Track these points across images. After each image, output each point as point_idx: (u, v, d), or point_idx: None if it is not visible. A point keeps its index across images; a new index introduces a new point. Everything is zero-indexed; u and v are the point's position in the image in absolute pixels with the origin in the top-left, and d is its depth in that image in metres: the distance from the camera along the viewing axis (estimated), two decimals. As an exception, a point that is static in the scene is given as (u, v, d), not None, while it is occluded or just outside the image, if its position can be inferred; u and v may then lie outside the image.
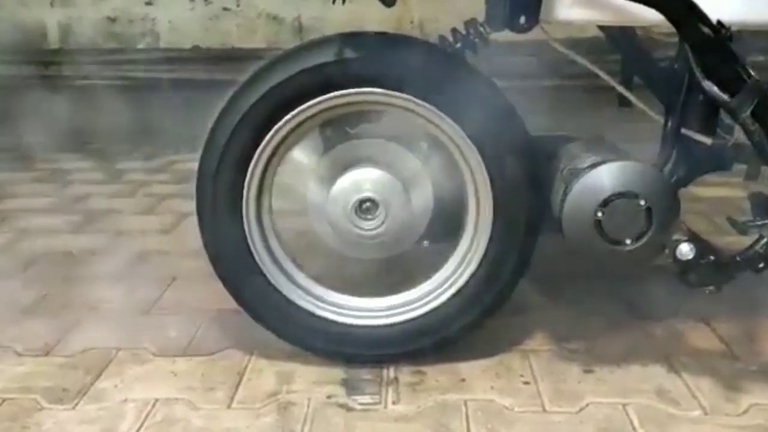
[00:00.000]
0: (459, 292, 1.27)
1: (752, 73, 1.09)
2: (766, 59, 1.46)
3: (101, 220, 2.14)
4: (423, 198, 1.27)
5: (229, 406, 1.19)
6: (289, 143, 1.24)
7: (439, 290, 1.28)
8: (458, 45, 1.24)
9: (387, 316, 1.29)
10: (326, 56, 1.17)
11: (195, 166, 1.25)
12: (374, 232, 1.24)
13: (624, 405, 1.18)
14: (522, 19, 1.13)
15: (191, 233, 1.30)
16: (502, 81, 1.24)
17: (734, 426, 1.13)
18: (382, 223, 1.24)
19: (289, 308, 1.28)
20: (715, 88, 1.09)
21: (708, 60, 1.09)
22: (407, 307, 1.29)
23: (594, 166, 1.17)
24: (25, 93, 2.81)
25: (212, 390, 1.24)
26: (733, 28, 1.08)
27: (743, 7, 1.13)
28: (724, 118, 1.19)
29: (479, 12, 1.27)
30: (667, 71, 1.28)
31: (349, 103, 1.20)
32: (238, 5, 3.27)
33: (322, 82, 1.17)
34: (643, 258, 1.17)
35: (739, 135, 1.17)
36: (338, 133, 1.29)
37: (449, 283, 1.28)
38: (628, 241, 1.16)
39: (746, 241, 1.18)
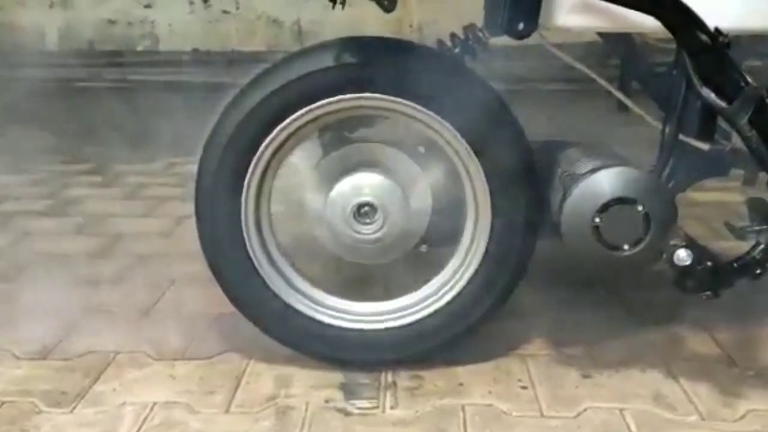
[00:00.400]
0: (457, 296, 1.27)
1: (749, 80, 1.10)
2: (764, 64, 1.47)
3: (99, 223, 2.14)
4: (421, 202, 1.27)
5: (227, 410, 1.19)
6: (288, 148, 1.24)
7: (438, 294, 1.28)
8: (457, 50, 1.25)
9: (385, 321, 1.29)
10: (326, 61, 1.18)
11: (194, 168, 1.25)
12: (373, 237, 1.25)
13: (621, 410, 1.18)
14: (521, 25, 1.13)
15: (190, 236, 1.30)
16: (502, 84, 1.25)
17: None
18: (381, 227, 1.24)
19: (287, 312, 1.28)
20: (712, 95, 1.10)
21: (706, 67, 1.09)
22: (405, 312, 1.29)
23: (592, 171, 1.17)
24: (23, 95, 2.81)
25: (211, 394, 1.24)
26: (731, 35, 1.09)
27: (741, 14, 1.13)
28: (722, 123, 1.19)
29: (479, 15, 1.27)
30: (665, 77, 1.29)
31: (348, 108, 1.21)
32: (237, 8, 3.27)
33: (321, 87, 1.17)
34: (640, 263, 1.18)
35: (736, 141, 1.17)
36: (337, 137, 1.29)
37: (448, 287, 1.28)
38: (626, 247, 1.16)
39: (744, 246, 1.19)
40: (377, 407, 1.20)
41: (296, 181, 1.30)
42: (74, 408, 1.20)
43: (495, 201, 1.22)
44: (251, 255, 1.26)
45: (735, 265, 1.17)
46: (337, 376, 1.29)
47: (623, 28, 1.18)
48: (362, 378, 1.28)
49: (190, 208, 1.27)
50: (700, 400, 1.21)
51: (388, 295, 1.32)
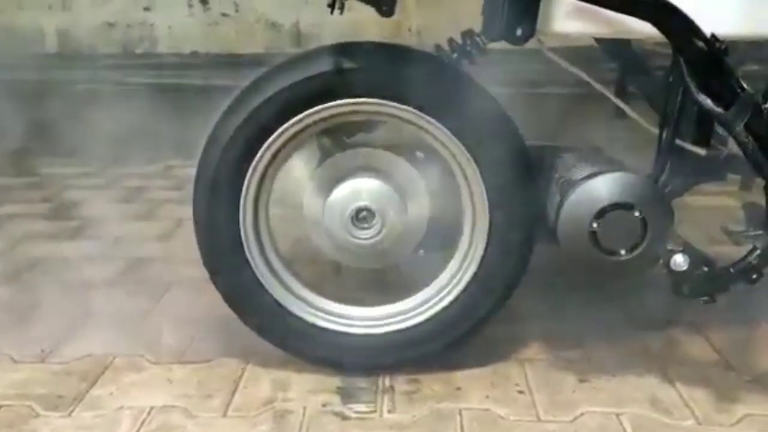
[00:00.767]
0: (455, 300, 1.27)
1: (745, 86, 1.10)
2: (761, 68, 1.47)
3: (98, 226, 2.14)
4: (419, 207, 1.27)
5: (224, 414, 1.19)
6: (286, 152, 1.25)
7: (436, 299, 1.29)
8: (455, 55, 1.25)
9: (383, 325, 1.29)
10: (324, 66, 1.18)
11: (193, 171, 1.25)
12: (371, 241, 1.25)
13: (618, 414, 1.18)
14: (519, 31, 1.14)
15: (188, 239, 1.30)
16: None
17: (727, 436, 1.13)
18: (379, 232, 1.25)
19: (285, 316, 1.28)
20: (709, 101, 1.10)
21: (702, 73, 1.10)
22: (404, 316, 1.29)
23: (589, 176, 1.17)
24: (22, 98, 2.81)
25: (208, 397, 1.24)
26: (727, 41, 1.09)
27: (737, 20, 1.14)
28: (718, 128, 1.20)
29: (478, 20, 1.28)
30: (661, 83, 1.29)
31: (346, 113, 1.21)
32: (236, 11, 3.27)
33: (320, 92, 1.18)
34: (637, 268, 1.18)
35: (732, 146, 1.18)
36: (335, 142, 1.30)
37: (445, 291, 1.28)
38: (622, 252, 1.17)
39: (741, 251, 1.19)
40: (375, 411, 1.20)
41: (294, 185, 1.30)
42: (72, 412, 1.20)
43: (492, 206, 1.22)
44: (249, 259, 1.26)
45: (731, 270, 1.17)
46: (335, 380, 1.29)
47: (620, 34, 1.18)
48: (360, 382, 1.28)
49: (188, 211, 1.27)
50: (697, 405, 1.21)
51: (385, 299, 1.32)
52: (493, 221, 1.23)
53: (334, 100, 1.18)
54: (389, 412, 1.20)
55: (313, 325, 1.29)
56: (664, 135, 1.20)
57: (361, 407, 1.21)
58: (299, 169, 1.31)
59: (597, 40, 1.37)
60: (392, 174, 1.27)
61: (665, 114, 1.21)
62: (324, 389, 1.26)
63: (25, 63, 3.08)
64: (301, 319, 1.29)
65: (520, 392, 1.25)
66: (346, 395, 1.25)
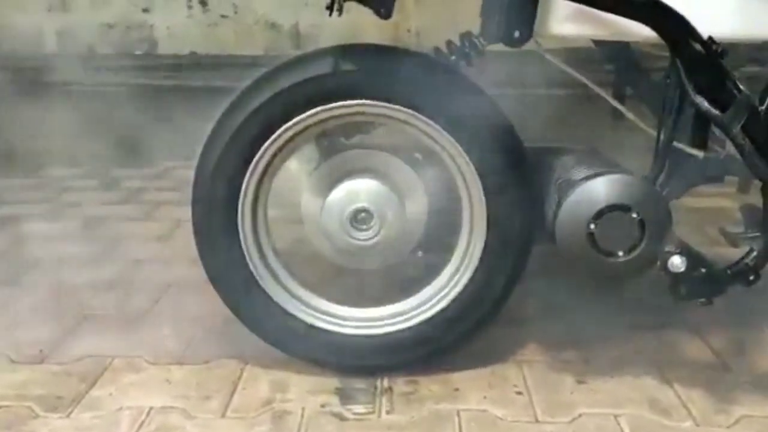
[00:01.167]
0: (453, 302, 1.27)
1: (743, 88, 1.11)
2: (761, 70, 1.48)
3: (97, 227, 2.14)
4: (417, 208, 1.28)
5: (223, 415, 1.20)
6: (285, 153, 1.25)
7: (434, 300, 1.29)
8: (453, 57, 1.25)
9: (381, 326, 1.29)
10: (323, 68, 1.18)
11: (192, 173, 1.26)
12: (369, 243, 1.25)
13: (616, 416, 1.19)
14: (516, 33, 1.14)
15: (187, 240, 1.31)
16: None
17: (725, 437, 1.14)
18: (377, 233, 1.25)
19: (284, 317, 1.29)
20: (706, 103, 1.11)
21: (699, 76, 1.10)
22: (402, 317, 1.29)
23: (587, 178, 1.18)
24: (21, 99, 2.81)
25: (207, 398, 1.24)
26: (725, 43, 1.10)
27: (735, 22, 1.14)
28: (716, 130, 1.20)
29: (476, 22, 1.28)
30: (659, 85, 1.29)
31: (344, 115, 1.21)
32: (236, 12, 3.27)
33: (318, 93, 1.18)
34: (635, 270, 1.18)
35: (730, 148, 1.18)
36: (334, 143, 1.30)
37: (443, 293, 1.28)
38: (620, 253, 1.17)
39: (738, 252, 1.20)
40: (373, 412, 1.21)
41: (293, 186, 1.30)
42: (71, 413, 1.20)
43: (491, 207, 1.22)
44: (248, 260, 1.26)
45: (729, 271, 1.18)
46: (333, 381, 1.29)
47: (617, 36, 1.19)
48: (358, 383, 1.29)
49: (186, 212, 1.27)
50: (695, 406, 1.21)
51: (384, 300, 1.32)
52: (491, 223, 1.23)
53: (334, 102, 1.18)
54: (387, 413, 1.20)
55: (312, 326, 1.29)
56: (662, 137, 1.20)
57: (360, 408, 1.22)
58: (298, 170, 1.31)
59: (594, 42, 1.38)
60: (390, 175, 1.27)
61: (663, 116, 1.22)
62: (322, 390, 1.27)
63: (24, 64, 3.08)
64: (299, 320, 1.29)
65: (518, 393, 1.26)
66: (345, 396, 1.25)
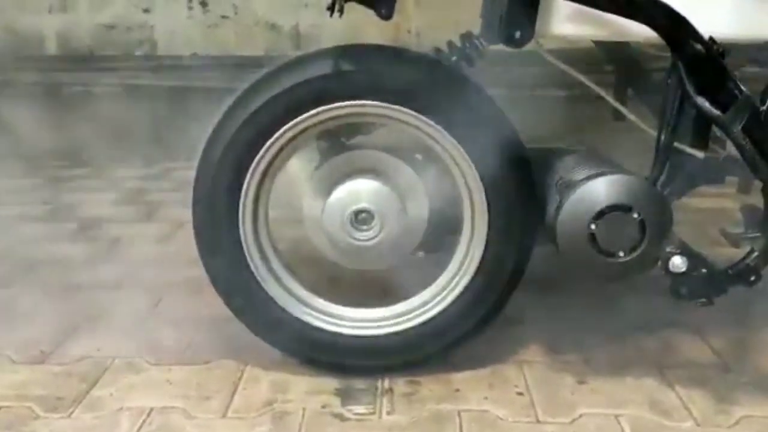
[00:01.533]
0: (454, 302, 1.27)
1: (743, 88, 1.11)
2: (761, 70, 1.48)
3: (98, 228, 2.14)
4: (418, 209, 1.28)
5: (224, 415, 1.20)
6: (286, 154, 1.25)
7: (434, 301, 1.29)
8: (454, 58, 1.25)
9: (382, 327, 1.29)
10: (324, 69, 1.19)
11: (192, 174, 1.26)
12: (370, 243, 1.25)
13: (617, 416, 1.18)
14: (517, 34, 1.14)
15: (188, 241, 1.31)
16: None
17: (726, 437, 1.14)
18: (378, 233, 1.25)
19: (284, 318, 1.29)
20: (707, 104, 1.11)
21: (700, 76, 1.10)
22: (402, 318, 1.29)
23: (588, 178, 1.18)
24: (22, 100, 2.81)
25: (207, 399, 1.24)
26: (726, 43, 1.10)
27: (735, 22, 1.14)
28: (716, 131, 1.20)
29: (477, 22, 1.28)
30: (659, 86, 1.29)
31: (345, 115, 1.21)
32: (236, 13, 3.28)
33: (319, 94, 1.18)
34: (636, 270, 1.18)
35: (730, 148, 1.18)
36: (334, 144, 1.30)
37: (444, 293, 1.28)
38: (621, 254, 1.17)
39: (739, 253, 1.20)
40: (374, 413, 1.20)
41: (294, 187, 1.30)
42: (71, 413, 1.20)
43: (491, 207, 1.22)
44: (248, 261, 1.26)
45: (730, 272, 1.18)
46: (334, 382, 1.29)
47: (618, 37, 1.19)
48: (359, 383, 1.28)
49: (187, 213, 1.27)
50: (695, 406, 1.21)
51: (384, 301, 1.32)
52: (492, 223, 1.23)
53: (334, 102, 1.18)
54: (388, 413, 1.20)
55: (313, 327, 1.29)
56: (663, 137, 1.20)
57: (360, 409, 1.22)
58: (299, 170, 1.31)
59: (595, 42, 1.38)
60: (391, 176, 1.27)
61: (663, 116, 1.22)
62: (323, 391, 1.27)
63: (24, 65, 3.08)
64: (300, 320, 1.29)
65: (519, 393, 1.26)
66: (345, 397, 1.25)
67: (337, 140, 1.31)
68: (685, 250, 1.17)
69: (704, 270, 1.17)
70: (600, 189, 1.16)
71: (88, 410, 1.21)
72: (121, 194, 2.50)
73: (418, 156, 1.30)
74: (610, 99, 1.35)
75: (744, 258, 1.18)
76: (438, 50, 1.28)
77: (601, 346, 1.41)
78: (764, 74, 1.23)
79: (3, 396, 1.25)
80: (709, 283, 1.17)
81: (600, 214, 1.15)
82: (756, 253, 1.17)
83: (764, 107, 1.12)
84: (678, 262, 1.16)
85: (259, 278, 1.27)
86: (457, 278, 1.28)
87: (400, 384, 1.29)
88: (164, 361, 1.36)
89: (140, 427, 1.16)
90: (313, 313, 1.30)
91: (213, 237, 1.25)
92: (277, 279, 1.30)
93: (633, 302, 1.58)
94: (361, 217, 1.25)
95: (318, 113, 1.19)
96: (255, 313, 1.29)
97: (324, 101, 1.18)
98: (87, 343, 1.43)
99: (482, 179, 1.21)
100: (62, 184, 2.63)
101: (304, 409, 1.21)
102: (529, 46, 1.19)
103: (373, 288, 1.42)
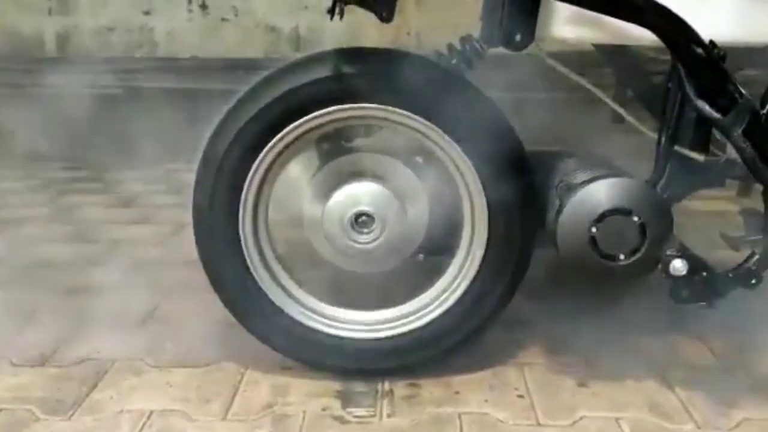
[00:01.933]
0: (454, 305, 1.27)
1: (744, 91, 1.11)
2: (760, 74, 1.48)
3: (96, 230, 2.14)
4: (418, 212, 1.28)
5: (224, 418, 1.19)
6: (285, 157, 1.25)
7: (435, 304, 1.29)
8: (454, 60, 1.25)
9: (382, 330, 1.29)
10: (324, 72, 1.19)
11: (192, 176, 1.26)
12: (370, 246, 1.25)
13: (617, 419, 1.18)
14: (518, 37, 1.14)
15: (187, 243, 1.31)
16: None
17: (726, 440, 1.14)
18: (378, 236, 1.25)
19: (284, 321, 1.29)
20: (707, 107, 1.11)
21: (700, 79, 1.11)
22: (403, 321, 1.29)
23: (588, 182, 1.18)
24: (22, 101, 2.82)
25: (208, 402, 1.24)
26: (726, 47, 1.10)
27: (736, 26, 1.15)
28: (717, 134, 1.20)
29: (477, 24, 1.28)
30: (660, 89, 1.30)
31: (345, 118, 1.21)
32: (236, 15, 3.28)
33: (319, 97, 1.18)
34: (636, 273, 1.18)
35: (731, 151, 1.18)
36: (335, 147, 1.30)
37: (444, 296, 1.28)
38: (621, 257, 1.17)
39: (739, 256, 1.20)
40: (374, 415, 1.20)
41: (294, 190, 1.30)
42: (72, 415, 1.20)
43: (491, 210, 1.22)
44: (249, 263, 1.26)
45: (730, 275, 1.18)
46: (334, 385, 1.29)
47: (619, 40, 1.19)
48: (359, 386, 1.28)
49: (187, 215, 1.27)
50: (696, 409, 1.21)
51: (384, 304, 1.32)
52: (492, 226, 1.23)
53: (335, 105, 1.18)
54: (389, 416, 1.20)
55: (313, 329, 1.29)
56: (663, 140, 1.20)
57: (361, 411, 1.22)
58: (299, 173, 1.31)
59: (596, 45, 1.38)
60: (391, 178, 1.27)
61: (664, 119, 1.22)
62: (323, 393, 1.26)
63: (24, 66, 3.09)
64: (299, 323, 1.29)
65: (520, 396, 1.26)
66: (346, 399, 1.25)
67: (337, 143, 1.31)
68: (685, 254, 1.17)
69: (705, 273, 1.17)
70: (600, 192, 1.16)
71: (89, 413, 1.21)
72: (121, 196, 2.50)
73: (419, 159, 1.30)
74: (610, 102, 1.35)
75: (744, 261, 1.18)
76: (438, 53, 1.28)
77: (601, 348, 1.41)
78: (764, 77, 1.23)
79: (3, 399, 1.25)
80: (709, 286, 1.17)
81: (600, 218, 1.16)
82: (756, 256, 1.17)
83: (765, 110, 1.12)
84: (678, 265, 1.16)
85: (258, 281, 1.27)
86: (457, 281, 1.28)
87: (401, 387, 1.28)
88: (164, 364, 1.36)
89: (140, 430, 1.16)
90: (313, 315, 1.30)
91: (213, 240, 1.25)
92: (277, 281, 1.29)
93: (633, 305, 1.58)
94: (361, 220, 1.25)
95: (318, 116, 1.19)
96: (254, 315, 1.29)
97: (324, 104, 1.18)
98: (87, 346, 1.43)
99: (482, 182, 1.21)
100: (61, 186, 2.63)
101: (304, 412, 1.21)
102: (530, 49, 1.19)
103: (373, 291, 1.42)
